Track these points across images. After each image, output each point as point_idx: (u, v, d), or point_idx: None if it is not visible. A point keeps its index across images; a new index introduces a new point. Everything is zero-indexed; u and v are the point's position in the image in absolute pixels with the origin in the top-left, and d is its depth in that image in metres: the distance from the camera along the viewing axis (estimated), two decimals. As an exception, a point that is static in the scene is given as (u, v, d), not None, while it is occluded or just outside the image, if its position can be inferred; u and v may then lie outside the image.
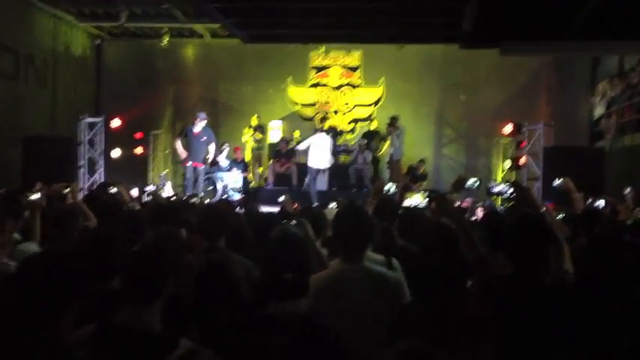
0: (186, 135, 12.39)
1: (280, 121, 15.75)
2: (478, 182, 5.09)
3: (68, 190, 5.79)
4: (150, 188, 10.89)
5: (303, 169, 13.15)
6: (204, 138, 12.14)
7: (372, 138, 14.64)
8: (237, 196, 11.58)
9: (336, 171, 13.70)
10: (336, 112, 16.04)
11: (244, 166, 14.24)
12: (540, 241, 3.08)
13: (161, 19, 14.14)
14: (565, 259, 3.20)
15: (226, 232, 4.08)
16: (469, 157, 15.60)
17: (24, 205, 4.62)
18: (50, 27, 13.88)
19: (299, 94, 16.22)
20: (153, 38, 15.34)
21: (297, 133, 15.05)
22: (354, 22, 13.11)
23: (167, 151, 16.05)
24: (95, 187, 12.23)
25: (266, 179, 14.67)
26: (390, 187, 6.74)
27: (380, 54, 15.44)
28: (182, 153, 12.32)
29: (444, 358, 2.57)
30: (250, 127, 14.99)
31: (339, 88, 16.13)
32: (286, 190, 12.28)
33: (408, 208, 5.37)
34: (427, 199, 6.51)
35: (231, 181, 13.37)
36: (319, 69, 16.24)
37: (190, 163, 12.16)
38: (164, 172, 15.34)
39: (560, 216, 4.99)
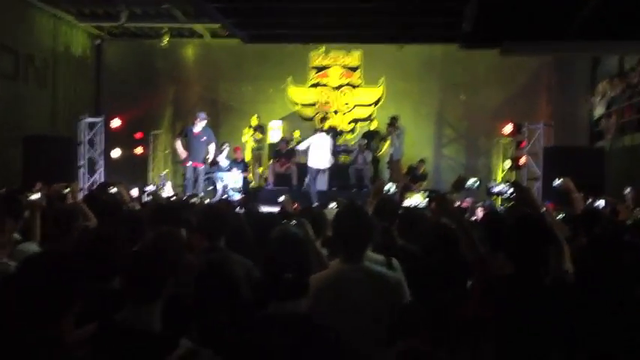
0: (186, 135, 12.38)
1: (280, 121, 15.76)
2: (478, 182, 5.10)
3: (68, 190, 5.79)
4: (150, 188, 10.89)
5: (303, 169, 13.15)
6: (204, 138, 12.13)
7: (372, 138, 14.64)
8: (237, 196, 11.58)
9: (336, 171, 13.69)
10: (336, 112, 16.05)
11: (244, 166, 14.24)
12: (540, 241, 3.08)
13: (161, 19, 14.14)
14: (565, 259, 3.20)
15: (226, 232, 4.08)
16: (469, 157, 15.59)
17: (24, 205, 4.62)
18: (50, 27, 13.89)
19: (299, 94, 16.22)
20: (153, 38, 15.35)
21: (297, 133, 15.04)
22: (354, 22, 13.10)
23: (167, 151, 16.05)
24: (95, 187, 12.22)
25: (266, 179, 14.67)
26: (390, 187, 6.74)
27: (380, 54, 15.44)
28: (182, 153, 12.31)
29: (444, 358, 2.57)
30: (250, 127, 14.99)
31: (339, 88, 16.14)
32: (286, 190, 12.28)
33: (408, 208, 5.37)
34: (427, 199, 6.52)
35: (231, 181, 13.37)
36: (319, 69, 16.24)
37: (190, 163, 12.15)
38: (164, 172, 15.34)
39: (560, 216, 4.99)
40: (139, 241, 3.34)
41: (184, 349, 2.33)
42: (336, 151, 14.04)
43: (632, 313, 2.86)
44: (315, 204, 10.10)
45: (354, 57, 16.07)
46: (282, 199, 6.40)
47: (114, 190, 6.59)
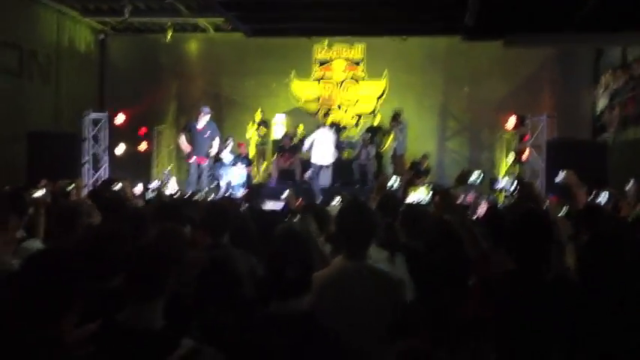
0: (189, 130, 12.37)
1: (284, 116, 15.75)
2: (482, 175, 5.11)
3: (72, 186, 5.80)
4: (154, 184, 10.90)
5: (307, 164, 13.14)
6: (208, 133, 12.13)
7: (375, 133, 14.58)
8: (240, 192, 11.60)
9: (340, 166, 13.67)
10: (339, 107, 16.03)
11: (248, 162, 14.24)
12: (542, 238, 3.08)
13: (164, 13, 14.13)
14: (567, 256, 3.20)
15: (229, 229, 4.09)
16: (472, 151, 15.56)
17: (28, 202, 4.63)
18: (54, 22, 13.91)
19: (302, 89, 16.19)
20: (156, 33, 15.38)
21: (300, 128, 15.03)
22: (357, 15, 13.08)
23: (171, 147, 16.04)
24: (99, 183, 12.24)
25: (270, 174, 14.67)
26: (394, 182, 6.74)
27: (383, 47, 15.39)
28: (186, 148, 12.29)
29: (444, 358, 2.58)
30: (254, 122, 14.99)
31: (342, 82, 16.10)
32: (290, 185, 12.27)
33: (410, 205, 5.37)
34: (431, 194, 6.52)
35: (235, 177, 13.37)
36: (322, 62, 16.20)
37: (194, 158, 12.15)
38: (168, 168, 15.35)
39: (564, 211, 4.99)
40: (142, 238, 3.35)
41: (187, 347, 2.34)
42: (339, 147, 14.02)
43: (634, 310, 2.86)
44: (319, 199, 10.09)
45: (358, 50, 16.03)
46: (285, 194, 6.41)
47: (118, 186, 6.61)
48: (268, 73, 15.86)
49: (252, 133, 14.95)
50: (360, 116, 16.01)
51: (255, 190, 12.23)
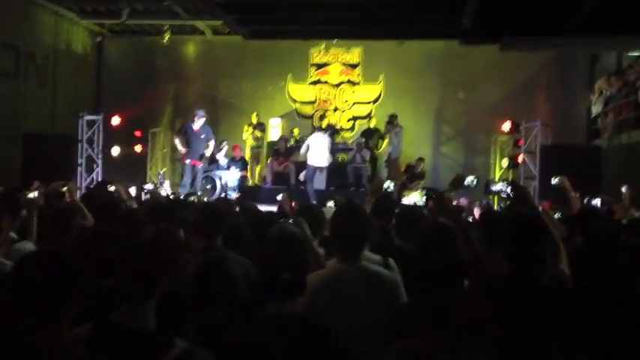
0: (185, 132, 12.35)
1: (280, 119, 15.76)
2: (476, 180, 5.11)
3: (66, 188, 5.78)
4: (148, 186, 10.88)
5: (302, 167, 13.13)
6: (203, 135, 12.12)
7: (370, 136, 14.61)
8: (234, 195, 11.58)
9: (334, 169, 13.62)
10: (335, 110, 16.03)
11: (243, 165, 14.21)
12: (536, 240, 3.08)
13: (162, 16, 14.15)
14: (561, 259, 3.19)
15: (224, 231, 4.07)
16: (467, 155, 15.59)
17: (22, 204, 4.62)
18: (51, 24, 13.91)
19: (299, 92, 16.20)
20: (154, 35, 15.38)
21: (296, 131, 15.03)
22: (356, 18, 13.08)
23: (165, 150, 16.05)
24: (93, 185, 12.21)
25: (264, 178, 14.65)
26: (389, 186, 6.73)
27: (380, 51, 15.42)
28: (182, 149, 12.27)
29: (444, 358, 2.57)
30: (250, 124, 14.98)
31: (339, 85, 16.11)
32: (284, 188, 12.23)
33: (405, 207, 5.37)
34: (425, 198, 6.51)
35: (229, 180, 13.35)
36: (319, 66, 16.21)
37: (189, 160, 12.13)
38: (162, 171, 15.32)
39: (557, 215, 5.00)
40: (137, 239, 3.34)
41: (180, 348, 2.33)
42: (334, 150, 14.00)
43: (629, 312, 2.86)
44: (313, 202, 10.07)
45: (355, 54, 16.04)
46: (279, 197, 6.39)
47: (112, 188, 6.58)
48: (265, 76, 15.88)
49: (247, 136, 14.94)
50: (355, 120, 16.01)
51: (248, 194, 12.23)
